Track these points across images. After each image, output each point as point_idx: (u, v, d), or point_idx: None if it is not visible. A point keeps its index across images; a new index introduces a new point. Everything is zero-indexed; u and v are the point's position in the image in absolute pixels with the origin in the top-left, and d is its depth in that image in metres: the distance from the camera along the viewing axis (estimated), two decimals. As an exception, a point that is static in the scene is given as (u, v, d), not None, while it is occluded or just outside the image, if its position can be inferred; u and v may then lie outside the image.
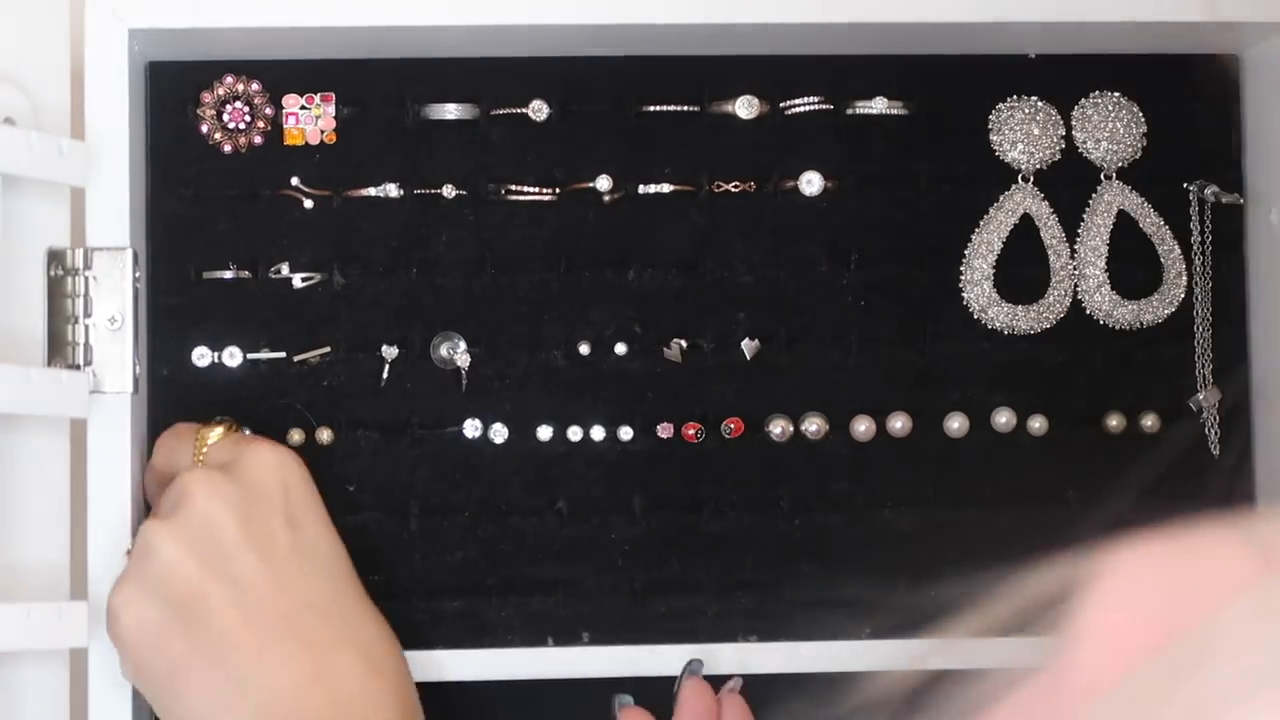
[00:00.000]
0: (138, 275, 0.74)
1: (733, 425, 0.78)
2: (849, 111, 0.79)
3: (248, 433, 0.75)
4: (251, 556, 0.68)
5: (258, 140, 0.77)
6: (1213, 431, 0.80)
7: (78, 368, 0.73)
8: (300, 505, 0.71)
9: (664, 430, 0.78)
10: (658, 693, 0.77)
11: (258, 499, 0.70)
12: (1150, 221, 0.80)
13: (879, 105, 0.79)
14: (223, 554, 0.68)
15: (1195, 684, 0.25)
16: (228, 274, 0.77)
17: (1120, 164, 0.80)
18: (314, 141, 0.78)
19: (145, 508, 0.74)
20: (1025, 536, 0.78)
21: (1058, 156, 0.80)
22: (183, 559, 0.68)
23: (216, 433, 0.73)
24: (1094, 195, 0.80)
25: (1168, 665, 0.26)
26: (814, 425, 0.78)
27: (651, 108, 0.79)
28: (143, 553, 0.69)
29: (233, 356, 0.77)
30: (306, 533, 0.71)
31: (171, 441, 0.74)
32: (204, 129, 0.77)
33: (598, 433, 0.78)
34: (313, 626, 0.68)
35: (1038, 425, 0.79)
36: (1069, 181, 0.80)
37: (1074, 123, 0.80)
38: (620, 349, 0.78)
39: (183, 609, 0.68)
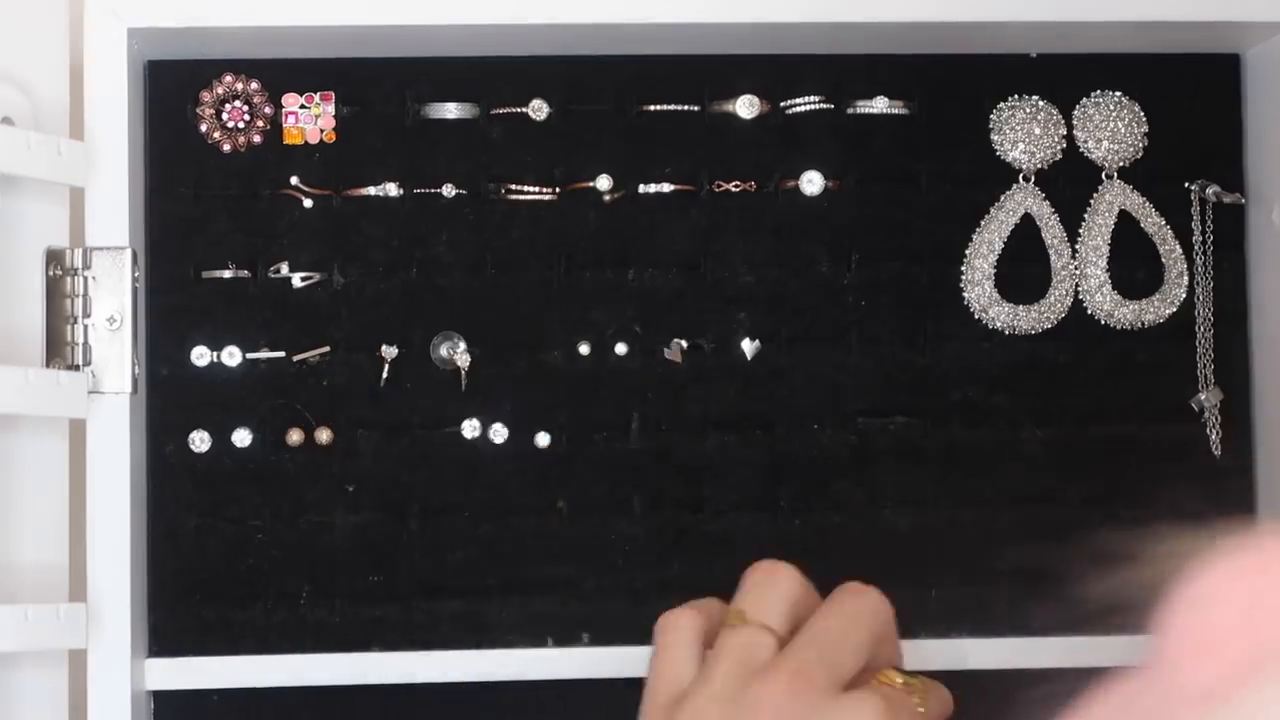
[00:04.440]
0: (137, 275, 0.74)
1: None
2: (850, 111, 0.79)
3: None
4: None
5: (257, 139, 0.77)
6: (1213, 431, 0.80)
7: (77, 368, 0.73)
8: None
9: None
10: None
11: None
12: (1151, 221, 0.80)
13: (880, 105, 0.79)
14: None
15: None
16: (227, 273, 0.77)
17: (1121, 164, 0.80)
18: (313, 141, 0.78)
19: None
20: (1025, 536, 0.78)
21: (1059, 156, 0.80)
22: None
23: (895, 682, 0.62)
24: (1095, 195, 0.80)
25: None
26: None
27: (652, 107, 0.79)
28: (691, 704, 0.61)
29: (232, 356, 0.77)
30: None
31: (870, 628, 0.63)
32: (203, 128, 0.77)
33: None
34: None
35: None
36: (1070, 181, 0.80)
37: (1075, 122, 0.80)
38: (620, 349, 0.78)
39: None
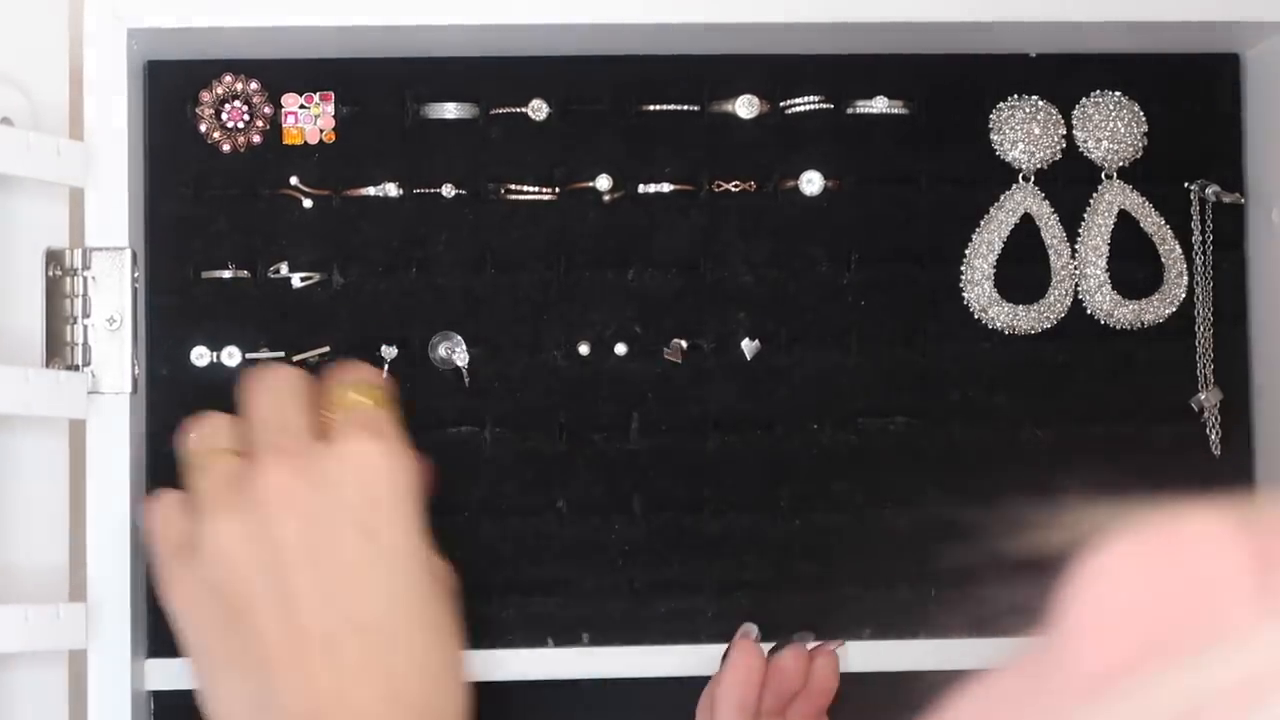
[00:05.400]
0: (136, 275, 0.74)
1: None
2: (849, 111, 0.79)
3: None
4: (308, 571, 0.64)
5: (256, 139, 0.77)
6: (1213, 432, 0.80)
7: (76, 368, 0.73)
8: (385, 514, 0.66)
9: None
10: (657, 693, 0.77)
11: (334, 505, 0.65)
12: (1151, 221, 0.80)
13: (879, 105, 0.79)
14: (279, 563, 0.64)
15: (1202, 690, 0.25)
16: (226, 274, 0.77)
17: (1121, 163, 0.80)
18: (313, 141, 0.78)
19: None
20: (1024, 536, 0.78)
21: (1058, 156, 0.80)
22: (239, 562, 0.64)
23: (361, 400, 0.68)
24: (1095, 195, 0.80)
25: (1174, 671, 0.26)
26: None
27: (651, 107, 0.79)
28: (205, 532, 0.66)
29: (231, 356, 0.77)
30: (381, 544, 0.65)
31: (287, 387, 0.69)
32: (203, 128, 0.77)
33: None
34: (347, 649, 0.64)
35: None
36: (1070, 181, 0.80)
37: (1075, 122, 0.80)
38: (620, 349, 0.78)
39: (232, 602, 0.65)
